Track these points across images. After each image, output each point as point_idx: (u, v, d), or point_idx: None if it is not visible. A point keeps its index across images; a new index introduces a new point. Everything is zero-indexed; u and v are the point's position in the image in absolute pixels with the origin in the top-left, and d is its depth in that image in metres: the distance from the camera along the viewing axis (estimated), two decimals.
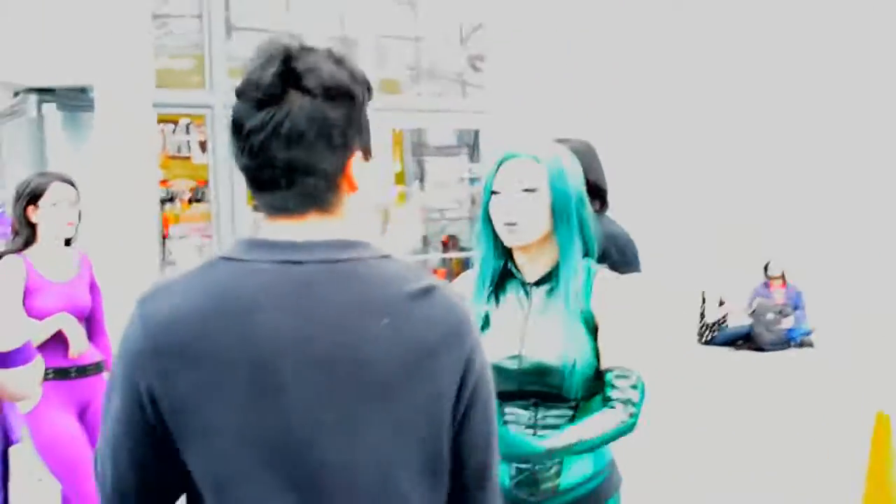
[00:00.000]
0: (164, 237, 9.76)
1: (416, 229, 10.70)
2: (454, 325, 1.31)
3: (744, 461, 5.44)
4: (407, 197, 11.66)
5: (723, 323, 9.58)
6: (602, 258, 3.36)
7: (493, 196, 2.17)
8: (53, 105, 6.23)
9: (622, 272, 3.39)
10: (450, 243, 10.48)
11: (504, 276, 2.25)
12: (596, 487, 2.17)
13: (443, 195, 12.33)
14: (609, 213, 3.64)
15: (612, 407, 2.08)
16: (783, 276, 9.65)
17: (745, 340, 9.39)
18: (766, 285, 9.66)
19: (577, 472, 2.15)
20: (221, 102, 7.05)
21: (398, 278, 1.31)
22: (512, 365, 2.15)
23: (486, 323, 2.21)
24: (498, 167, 2.18)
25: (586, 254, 2.22)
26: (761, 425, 6.22)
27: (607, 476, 2.21)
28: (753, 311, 9.36)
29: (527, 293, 2.22)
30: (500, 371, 2.13)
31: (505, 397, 2.16)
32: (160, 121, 9.92)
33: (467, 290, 2.26)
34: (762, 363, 8.70)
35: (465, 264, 9.07)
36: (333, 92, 1.31)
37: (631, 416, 2.08)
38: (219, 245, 7.23)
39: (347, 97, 1.32)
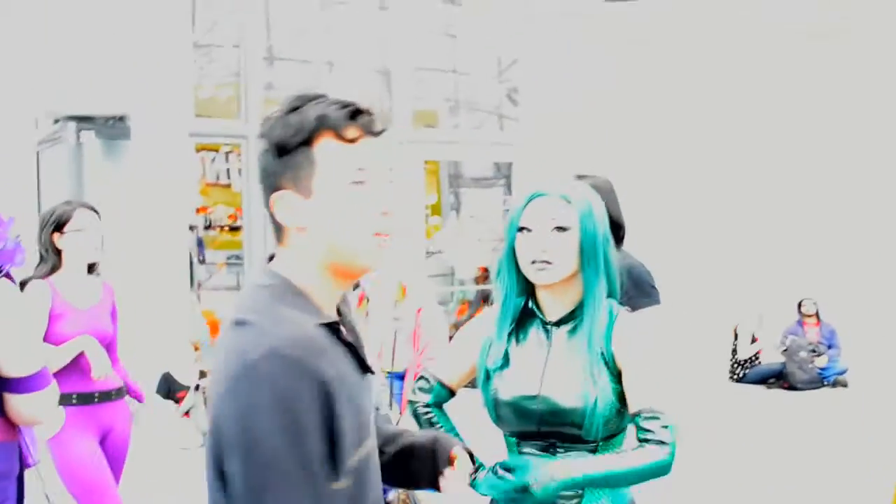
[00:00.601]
0: (201, 262, 9.91)
1: (457, 260, 10.75)
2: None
3: (774, 502, 5.37)
4: (442, 228, 11.73)
5: (755, 360, 9.47)
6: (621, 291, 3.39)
7: (521, 233, 2.15)
8: (92, 133, 6.36)
9: (640, 304, 3.40)
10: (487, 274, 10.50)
11: (524, 314, 2.23)
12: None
13: (479, 227, 12.37)
14: (637, 246, 3.65)
15: (645, 448, 2.06)
16: (817, 314, 9.53)
17: (778, 378, 9.27)
18: (800, 323, 9.55)
19: None
20: (256, 132, 7.15)
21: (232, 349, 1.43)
22: (531, 405, 2.14)
23: (505, 362, 2.19)
24: (526, 204, 2.17)
25: (609, 294, 2.20)
26: (793, 466, 6.13)
27: None
28: (786, 349, 9.25)
29: (547, 333, 2.20)
30: (518, 411, 2.14)
31: (523, 437, 2.16)
32: (201, 149, 10.11)
33: (488, 328, 2.25)
34: (795, 402, 8.59)
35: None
36: (263, 140, 1.49)
37: (667, 455, 2.05)
38: (248, 272, 7.32)
39: (266, 142, 1.48)
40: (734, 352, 9.48)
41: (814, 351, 9.20)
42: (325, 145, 1.46)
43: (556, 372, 2.14)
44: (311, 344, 1.39)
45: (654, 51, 8.81)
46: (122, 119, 6.27)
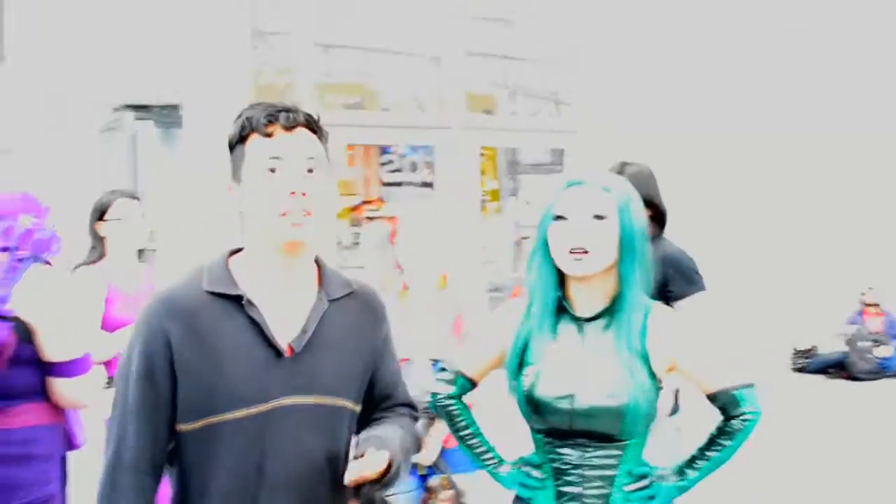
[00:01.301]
0: None
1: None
2: None
3: (835, 493, 5.30)
4: (501, 214, 11.71)
5: (815, 350, 9.31)
6: (662, 282, 3.35)
7: (557, 222, 2.07)
8: (150, 122, 6.48)
9: (685, 292, 3.38)
10: None
11: (556, 308, 2.15)
12: None
13: (536, 213, 12.29)
14: (697, 233, 3.61)
15: (733, 423, 2.12)
16: (879, 304, 9.34)
17: (839, 369, 9.11)
18: (862, 313, 9.36)
19: None
20: None
21: None
22: (564, 405, 2.08)
23: (539, 358, 2.13)
24: (561, 193, 2.09)
25: (643, 289, 2.15)
26: (853, 456, 6.03)
27: None
28: (848, 339, 9.07)
29: (580, 328, 2.13)
30: (552, 410, 2.10)
31: (556, 436, 2.13)
32: None
33: (514, 321, 2.19)
34: (855, 393, 8.43)
35: None
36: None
37: (751, 417, 2.11)
38: None
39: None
40: (795, 342, 9.34)
41: (875, 341, 9.02)
42: (252, 141, 1.75)
43: (591, 370, 2.08)
44: (171, 303, 1.72)
45: (715, 35, 8.68)
46: (176, 108, 6.38)
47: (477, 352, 2.34)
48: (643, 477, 2.11)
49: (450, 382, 2.34)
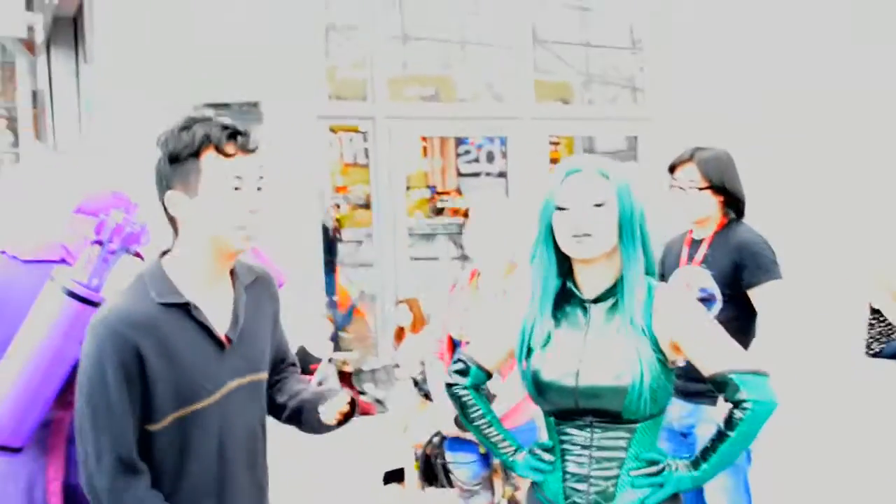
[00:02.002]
0: (338, 240, 10.23)
1: None
2: None
3: None
4: None
5: (891, 334, 9.11)
6: (734, 268, 3.37)
7: (559, 212, 2.17)
8: (229, 119, 6.67)
9: (759, 279, 3.38)
10: None
11: (563, 294, 2.24)
12: None
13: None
14: (770, 220, 3.60)
15: (735, 413, 2.10)
16: None
17: None
18: None
19: (632, 496, 2.15)
20: (383, 113, 7.34)
21: None
22: (569, 383, 2.15)
23: (546, 341, 2.21)
24: (562, 182, 2.18)
25: (647, 270, 2.20)
26: None
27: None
28: None
29: (585, 311, 2.21)
30: (558, 390, 2.17)
31: (562, 416, 2.20)
32: (339, 130, 10.41)
33: (524, 310, 2.26)
34: None
35: None
36: (159, 150, 1.99)
37: (769, 404, 2.09)
38: (376, 248, 7.53)
39: (161, 152, 1.97)
40: (871, 326, 9.15)
41: None
42: (208, 157, 1.92)
43: (595, 350, 2.15)
44: (132, 318, 1.91)
45: (795, 22, 8.53)
46: (255, 105, 6.55)
47: (490, 343, 2.42)
48: (653, 463, 2.14)
49: (464, 373, 2.41)
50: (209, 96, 6.51)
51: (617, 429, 2.14)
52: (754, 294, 3.42)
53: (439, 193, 12.27)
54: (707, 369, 2.15)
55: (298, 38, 6.85)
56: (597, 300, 2.20)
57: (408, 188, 12.51)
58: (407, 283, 7.36)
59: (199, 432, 2.00)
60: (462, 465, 3.68)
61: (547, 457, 2.25)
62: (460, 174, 12.69)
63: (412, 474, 4.06)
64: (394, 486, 4.65)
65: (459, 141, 12.35)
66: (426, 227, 10.75)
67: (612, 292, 2.18)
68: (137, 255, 2.56)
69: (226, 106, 6.54)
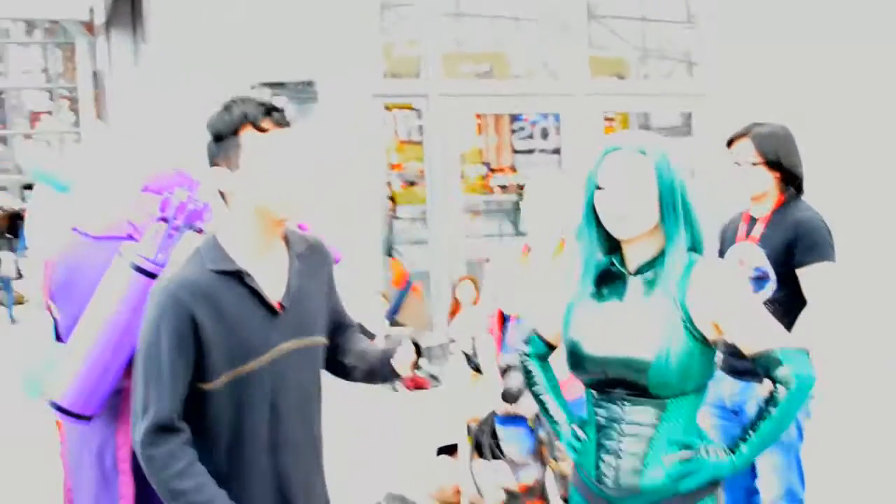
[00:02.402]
0: (393, 217, 10.32)
1: None
2: None
3: None
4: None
5: None
6: (788, 245, 3.36)
7: (599, 191, 2.17)
8: (284, 98, 6.76)
9: (807, 260, 3.36)
10: None
11: (610, 268, 2.25)
12: (683, 490, 2.13)
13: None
14: (830, 200, 3.55)
15: (778, 389, 2.06)
16: None
17: None
18: None
19: (659, 473, 2.14)
20: (437, 91, 7.37)
21: None
22: (598, 353, 2.17)
23: (584, 314, 2.23)
24: (601, 160, 2.17)
25: (693, 246, 2.18)
26: None
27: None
28: None
29: (625, 285, 2.21)
30: (588, 360, 2.19)
31: (597, 388, 2.21)
32: (394, 108, 10.47)
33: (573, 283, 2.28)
34: None
35: None
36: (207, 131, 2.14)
37: (795, 381, 2.05)
38: (430, 226, 7.58)
39: (209, 132, 2.12)
40: None
41: None
42: (246, 134, 2.06)
43: (627, 322, 2.15)
44: (188, 285, 2.06)
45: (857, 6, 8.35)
46: (311, 84, 6.63)
47: (545, 314, 2.44)
48: (686, 448, 2.12)
49: (527, 342, 2.46)
50: (265, 75, 6.61)
51: (646, 403, 2.13)
52: (802, 274, 3.37)
53: (494, 171, 12.27)
54: (748, 348, 2.12)
55: (352, 16, 6.91)
56: (637, 273, 2.20)
57: (462, 165, 12.59)
58: (460, 260, 7.41)
59: (252, 392, 2.13)
60: (512, 440, 3.73)
61: (580, 433, 2.28)
62: (515, 151, 12.68)
63: (465, 448, 4.11)
64: (445, 457, 4.71)
65: (514, 118, 12.33)
66: (481, 205, 10.76)
67: (653, 265, 2.17)
68: (200, 231, 2.65)
69: (281, 85, 6.64)
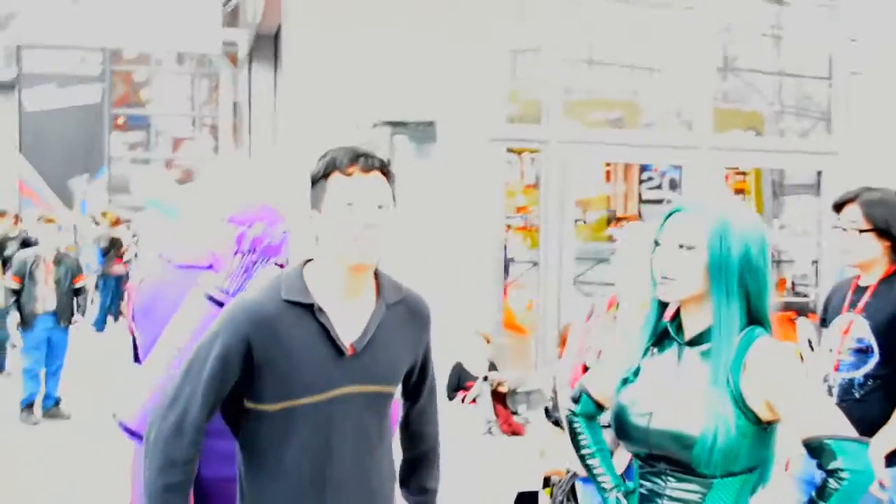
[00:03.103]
0: (509, 259, 10.34)
1: None
2: None
3: None
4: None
5: None
6: (894, 320, 3.21)
7: (656, 248, 2.13)
8: (405, 137, 6.87)
9: None
10: (785, 287, 10.02)
11: (667, 332, 2.18)
12: None
13: (793, 237, 11.78)
14: None
15: (830, 482, 1.95)
16: None
17: None
18: None
19: None
20: (556, 138, 7.38)
21: None
22: (641, 423, 2.11)
23: (635, 379, 2.17)
24: (665, 220, 2.13)
25: (752, 323, 2.08)
26: None
27: None
28: None
29: (680, 354, 2.13)
30: (631, 428, 2.12)
31: (643, 461, 2.15)
32: (521, 152, 10.54)
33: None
34: None
35: (800, 310, 8.64)
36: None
37: (848, 475, 1.93)
38: (540, 270, 7.57)
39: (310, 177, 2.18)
40: None
41: None
42: (333, 179, 2.12)
43: (676, 394, 2.07)
44: (253, 309, 2.11)
45: None
46: (431, 124, 6.72)
47: (603, 373, 2.37)
48: None
49: (575, 400, 2.39)
50: (387, 114, 6.75)
51: (690, 480, 2.05)
52: None
53: (619, 219, 12.17)
54: (802, 432, 2.00)
55: (481, 59, 7.00)
56: (691, 343, 2.12)
57: (585, 211, 12.51)
58: (570, 306, 7.35)
59: (303, 424, 2.14)
60: (591, 500, 3.66)
61: (624, 502, 2.22)
62: (642, 200, 12.55)
63: (544, 500, 4.06)
64: None
65: (643, 167, 12.23)
66: (600, 252, 10.68)
67: (709, 337, 2.08)
68: (281, 266, 2.72)
69: (402, 124, 6.76)
